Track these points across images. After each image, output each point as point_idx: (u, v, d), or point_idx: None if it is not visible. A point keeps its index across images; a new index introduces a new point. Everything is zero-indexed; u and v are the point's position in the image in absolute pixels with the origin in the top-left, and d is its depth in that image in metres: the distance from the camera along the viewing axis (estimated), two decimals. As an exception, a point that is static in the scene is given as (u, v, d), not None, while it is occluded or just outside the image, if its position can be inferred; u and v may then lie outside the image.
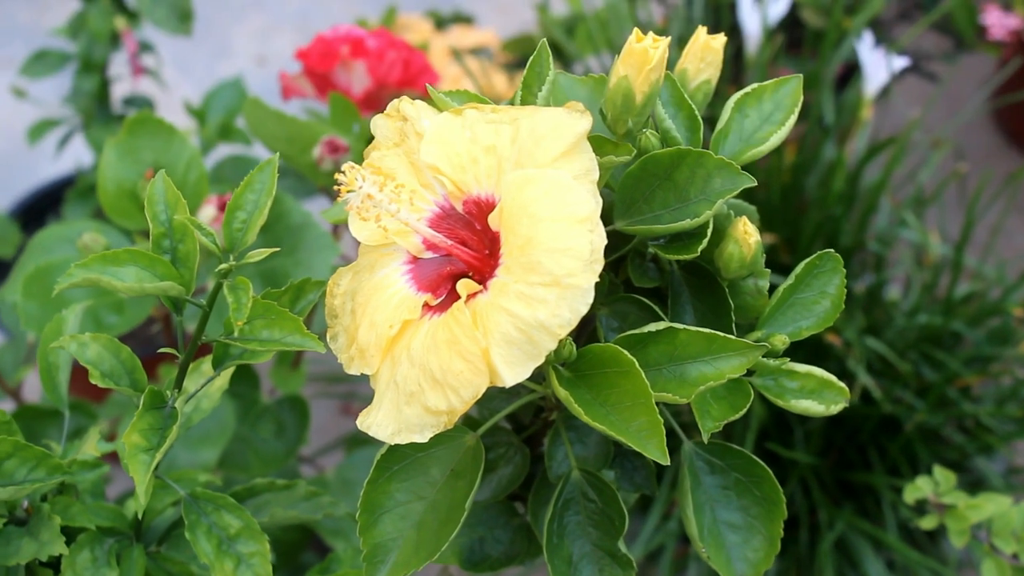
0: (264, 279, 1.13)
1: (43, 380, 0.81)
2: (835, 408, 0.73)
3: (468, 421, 0.81)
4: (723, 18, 1.84)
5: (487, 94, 2.01)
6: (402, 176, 0.68)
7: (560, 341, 0.63)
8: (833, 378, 0.73)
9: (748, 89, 0.75)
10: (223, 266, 0.61)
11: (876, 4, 1.84)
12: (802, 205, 1.70)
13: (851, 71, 2.06)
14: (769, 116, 0.74)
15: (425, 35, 2.16)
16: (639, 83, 0.64)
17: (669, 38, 0.64)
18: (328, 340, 0.69)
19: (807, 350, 1.55)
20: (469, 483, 0.70)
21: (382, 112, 0.70)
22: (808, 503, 1.54)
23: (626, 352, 0.63)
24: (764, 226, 1.65)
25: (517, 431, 0.82)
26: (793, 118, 0.73)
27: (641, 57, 0.64)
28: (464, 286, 0.62)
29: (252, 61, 3.00)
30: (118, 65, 1.82)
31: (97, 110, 1.82)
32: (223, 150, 1.72)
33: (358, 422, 0.65)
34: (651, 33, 0.64)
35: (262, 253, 0.62)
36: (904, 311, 1.64)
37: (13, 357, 1.40)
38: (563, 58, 2.10)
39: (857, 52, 1.71)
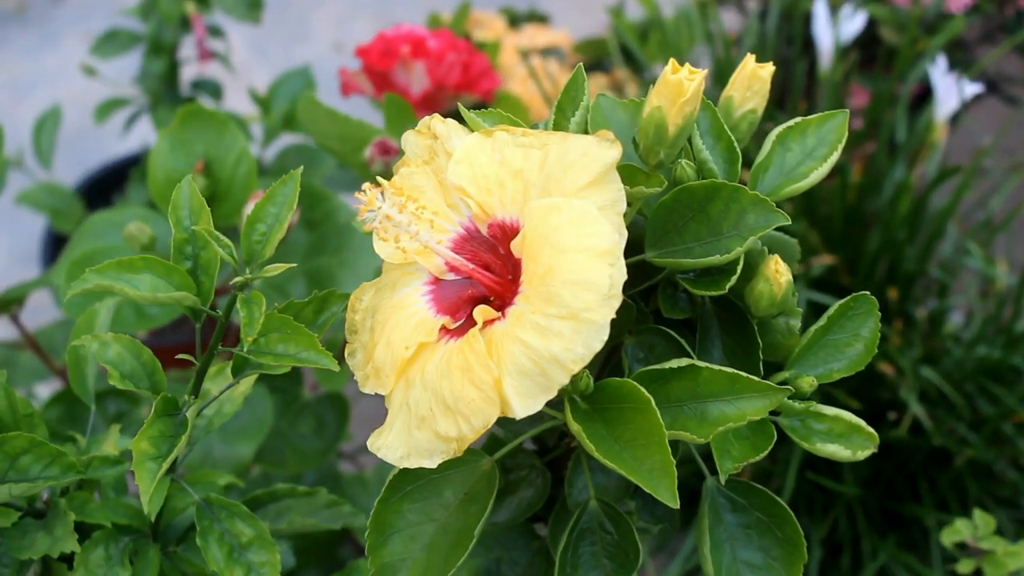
0: (308, 278, 1.12)
1: (71, 372, 0.81)
2: (862, 454, 0.71)
3: (491, 441, 0.80)
4: (796, 31, 1.81)
5: (554, 97, 1.99)
6: (429, 194, 0.67)
7: (576, 374, 0.62)
8: (862, 423, 0.71)
9: (791, 123, 0.73)
10: (238, 279, 0.61)
11: (957, 25, 1.80)
12: (866, 226, 1.67)
13: (928, 91, 2.02)
14: (812, 151, 0.72)
15: (498, 32, 2.15)
16: (673, 115, 0.63)
17: (706, 71, 0.62)
18: (346, 356, 0.68)
19: (858, 377, 1.52)
20: (482, 508, 0.69)
21: (441, 113, 0.69)
22: (852, 530, 1.51)
23: (643, 389, 0.61)
24: (825, 246, 1.63)
25: (541, 453, 0.81)
26: (836, 155, 0.71)
27: (676, 89, 0.62)
28: (481, 312, 0.61)
29: (329, 47, 3.01)
30: (189, 48, 1.83)
31: (165, 92, 1.83)
32: (286, 139, 1.73)
33: (368, 442, 0.64)
34: (687, 65, 0.62)
35: (278, 268, 0.61)
36: (964, 342, 1.60)
37: (64, 337, 1.41)
38: (634, 63, 2.08)
39: (929, 75, 1.67)
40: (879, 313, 0.72)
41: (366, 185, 0.61)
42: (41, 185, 1.84)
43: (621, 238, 0.60)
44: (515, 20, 2.27)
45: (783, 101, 1.96)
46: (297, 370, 1.31)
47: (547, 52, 2.14)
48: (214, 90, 1.88)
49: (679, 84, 0.62)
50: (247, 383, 0.78)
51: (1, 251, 2.43)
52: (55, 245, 2.07)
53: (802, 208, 1.64)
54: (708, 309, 0.73)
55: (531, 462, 0.79)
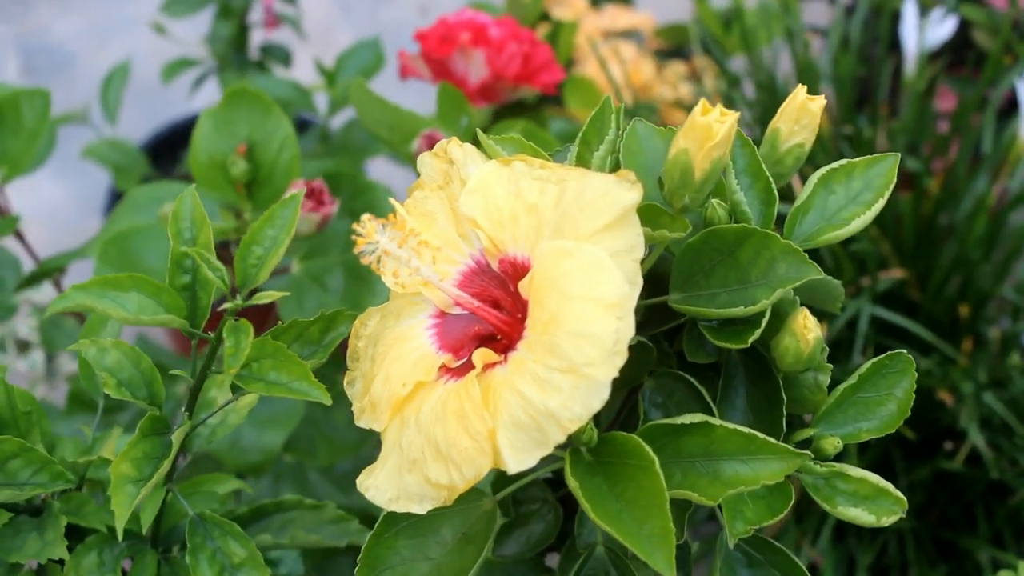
0: (346, 270, 1.10)
1: (80, 368, 0.80)
2: (887, 520, 0.67)
3: (500, 473, 0.77)
4: (883, 30, 1.75)
5: (632, 83, 1.95)
6: (441, 222, 0.64)
7: (582, 427, 0.59)
8: (889, 487, 0.67)
9: (836, 165, 0.69)
10: (229, 305, 0.58)
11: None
12: (940, 239, 1.61)
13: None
14: (857, 196, 0.68)
15: (579, 11, 2.10)
16: (699, 159, 0.59)
17: (739, 113, 0.58)
18: (345, 384, 0.66)
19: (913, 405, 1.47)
20: (479, 550, 0.66)
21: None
22: (901, 557, 1.46)
23: (647, 448, 0.58)
24: (897, 260, 1.57)
25: (556, 484, 0.77)
26: (883, 201, 0.67)
27: (704, 132, 0.58)
28: (481, 356, 0.58)
29: (415, 10, 2.97)
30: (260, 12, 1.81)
31: (233, 55, 1.82)
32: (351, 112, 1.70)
33: (358, 481, 0.61)
34: (719, 106, 0.58)
35: (272, 295, 0.58)
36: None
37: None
38: (716, 52, 2.02)
39: (1016, 88, 1.60)
40: (915, 373, 0.68)
41: (365, 216, 0.57)
42: (106, 140, 1.84)
43: (635, 287, 0.56)
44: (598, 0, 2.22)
45: (863, 103, 1.89)
46: (338, 358, 1.28)
47: (627, 35, 2.09)
48: (283, 56, 1.86)
49: (708, 127, 0.58)
50: (252, 396, 0.75)
51: (70, 199, 2.43)
52: (118, 199, 2.06)
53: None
54: (734, 356, 0.69)
55: (544, 495, 0.76)
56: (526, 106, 1.38)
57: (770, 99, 1.71)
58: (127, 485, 0.61)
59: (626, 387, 0.70)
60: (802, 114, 0.69)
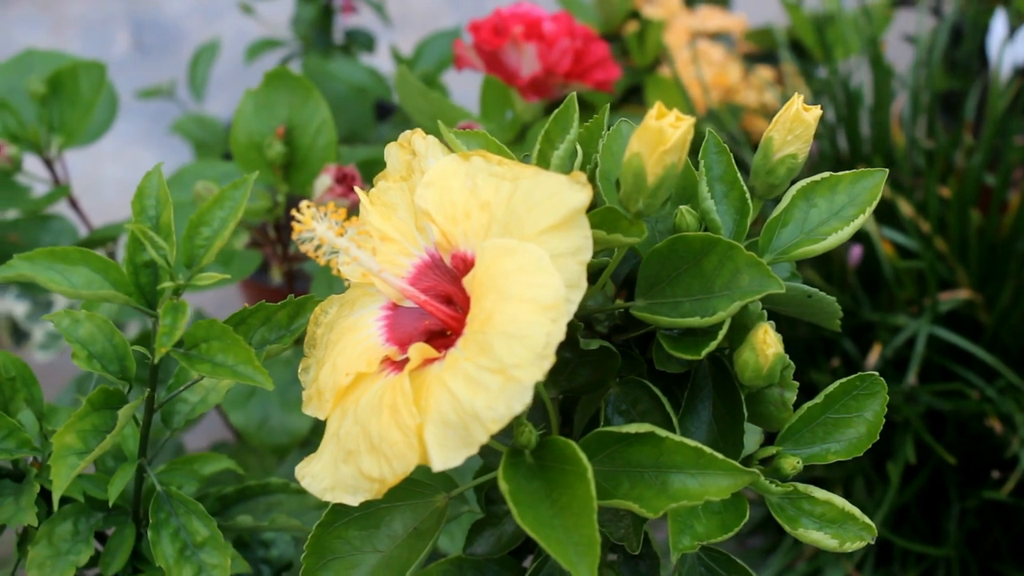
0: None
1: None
2: (850, 546, 0.65)
3: (482, 470, 0.76)
4: (968, 46, 1.69)
5: (718, 85, 1.92)
6: (400, 213, 0.63)
7: (521, 429, 0.59)
8: (855, 511, 0.65)
9: (819, 177, 0.67)
10: (169, 284, 0.58)
11: None
12: (1013, 261, 1.55)
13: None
14: (840, 210, 0.66)
15: (672, 10, 2.08)
16: (652, 164, 0.57)
17: (693, 120, 0.56)
18: (300, 371, 0.65)
19: (957, 429, 1.43)
20: (425, 544, 0.66)
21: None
22: (948, 584, 1.42)
23: (582, 453, 0.57)
24: (967, 280, 1.52)
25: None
26: (864, 217, 0.65)
27: (656, 136, 0.56)
28: (419, 351, 0.57)
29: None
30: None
31: (316, 38, 1.83)
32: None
33: (296, 469, 0.61)
34: (675, 111, 0.56)
35: (213, 278, 0.58)
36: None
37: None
38: (806, 59, 1.98)
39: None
40: (887, 396, 0.65)
41: (303, 203, 0.57)
42: (192, 116, 1.87)
43: (578, 290, 0.55)
44: (692, -1, 2.19)
45: (952, 116, 1.84)
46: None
47: (718, 37, 2.05)
48: (367, 41, 1.87)
49: (660, 131, 0.56)
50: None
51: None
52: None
53: (938, 228, 1.53)
54: (704, 367, 0.67)
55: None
56: (585, 104, 1.37)
57: (848, 110, 1.67)
58: (69, 456, 0.61)
59: (592, 392, 0.68)
60: (796, 124, 0.67)
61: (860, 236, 1.52)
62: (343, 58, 1.84)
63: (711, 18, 2.05)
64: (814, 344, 1.53)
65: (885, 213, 1.57)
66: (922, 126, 1.69)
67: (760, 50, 2.06)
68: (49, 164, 1.25)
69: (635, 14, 2.07)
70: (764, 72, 1.92)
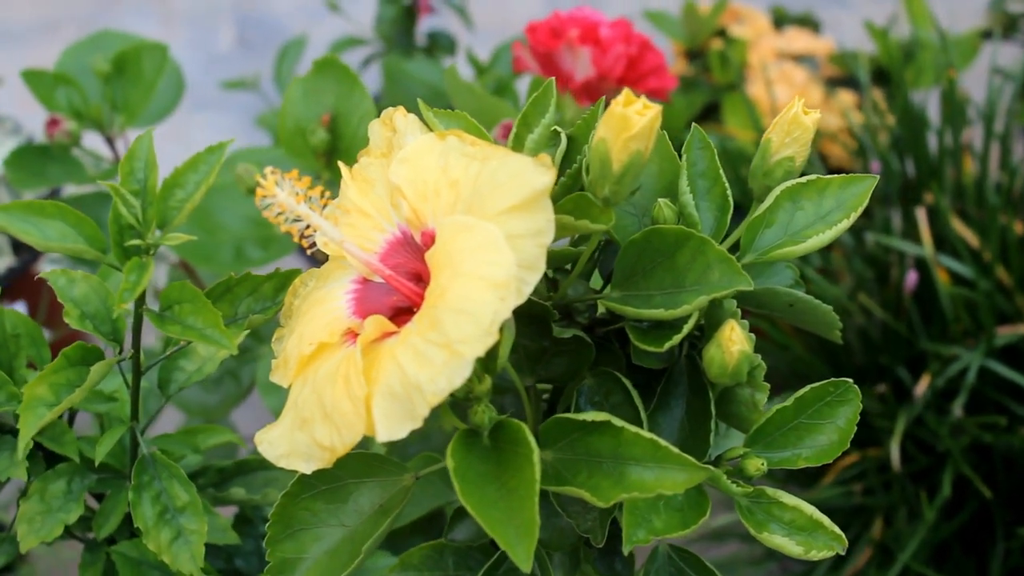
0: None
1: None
2: (817, 554, 0.64)
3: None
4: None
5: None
6: (378, 189, 0.64)
7: (475, 409, 0.59)
8: (824, 520, 0.64)
9: (805, 180, 0.66)
10: (137, 242, 0.59)
11: None
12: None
13: None
14: (827, 214, 0.65)
15: (759, 30, 2.07)
16: (616, 151, 0.57)
17: (660, 107, 0.56)
18: (273, 340, 0.66)
19: (1005, 465, 1.39)
20: (390, 523, 0.66)
21: (401, 108, 0.66)
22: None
23: (530, 435, 0.57)
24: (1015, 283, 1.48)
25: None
26: (847, 223, 0.64)
27: (620, 122, 0.56)
28: (376, 323, 0.58)
29: (637, 8, 2.96)
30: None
31: (398, 38, 1.85)
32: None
33: (256, 435, 0.62)
34: (643, 99, 0.56)
35: (181, 238, 0.59)
36: None
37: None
38: (891, 84, 1.95)
39: None
40: (860, 404, 0.64)
41: (268, 169, 0.58)
42: (276, 110, 1.90)
43: (535, 272, 0.55)
44: (782, 20, 2.17)
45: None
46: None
47: (801, 59, 2.04)
48: (448, 44, 1.88)
49: (625, 118, 0.56)
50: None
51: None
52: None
53: (999, 255, 1.50)
54: (682, 364, 0.67)
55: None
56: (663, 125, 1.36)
57: (910, 135, 1.64)
58: (39, 407, 0.62)
59: (563, 383, 0.68)
60: (794, 127, 0.67)
61: (918, 263, 1.50)
62: (424, 59, 1.85)
63: (796, 40, 2.04)
64: (867, 369, 1.51)
65: (943, 240, 1.54)
66: (995, 157, 1.65)
67: (843, 74, 2.03)
68: (110, 142, 1.28)
69: (722, 32, 2.06)
70: (845, 96, 1.90)
